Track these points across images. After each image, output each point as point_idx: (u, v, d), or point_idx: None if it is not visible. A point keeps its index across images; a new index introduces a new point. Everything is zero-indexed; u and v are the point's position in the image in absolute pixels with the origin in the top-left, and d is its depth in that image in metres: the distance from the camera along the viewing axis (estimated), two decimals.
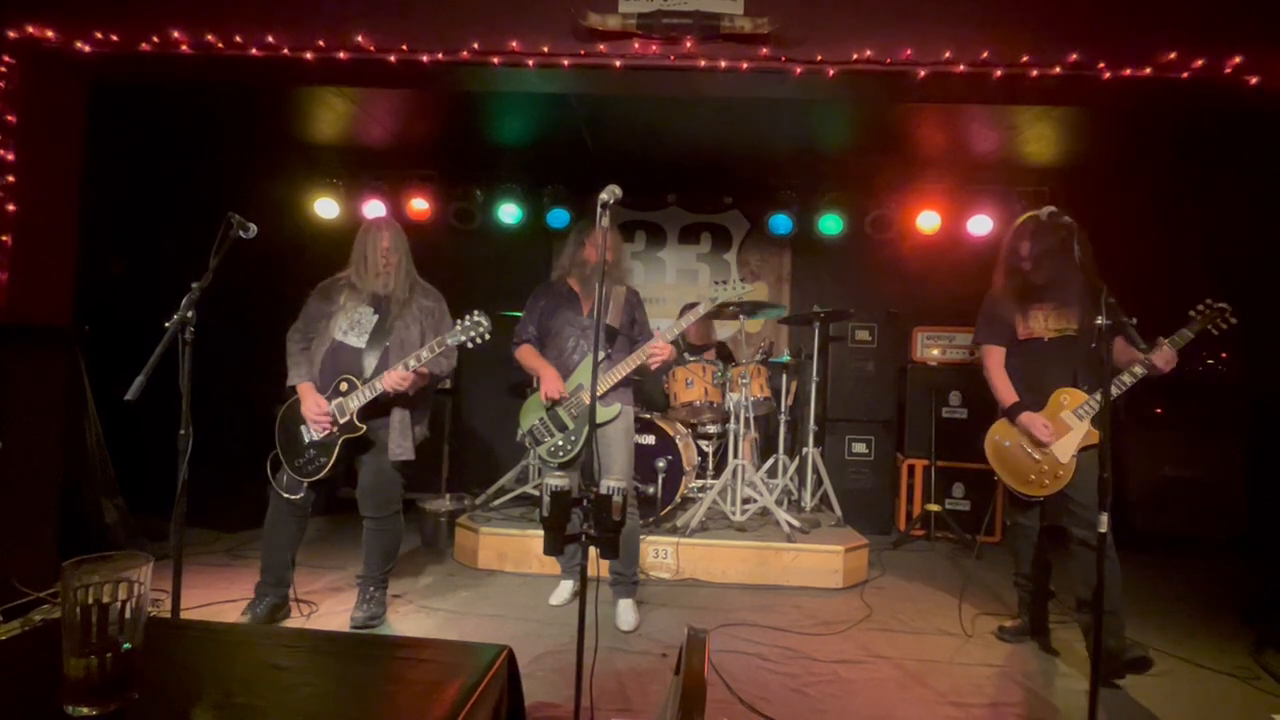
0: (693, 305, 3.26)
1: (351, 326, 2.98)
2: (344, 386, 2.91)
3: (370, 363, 2.94)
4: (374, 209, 5.21)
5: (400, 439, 2.97)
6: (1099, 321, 2.17)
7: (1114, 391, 2.66)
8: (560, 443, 3.18)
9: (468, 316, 2.88)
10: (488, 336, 2.88)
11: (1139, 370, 2.68)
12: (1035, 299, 2.89)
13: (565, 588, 3.43)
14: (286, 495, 2.94)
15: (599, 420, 3.12)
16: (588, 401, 3.06)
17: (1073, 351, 2.83)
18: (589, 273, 3.20)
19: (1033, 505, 2.94)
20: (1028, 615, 3.11)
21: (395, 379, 2.84)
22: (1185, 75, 2.86)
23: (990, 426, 3.01)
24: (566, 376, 3.18)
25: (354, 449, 2.96)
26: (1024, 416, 2.83)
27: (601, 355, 3.15)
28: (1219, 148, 4.10)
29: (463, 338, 2.87)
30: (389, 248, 3.00)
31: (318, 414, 2.87)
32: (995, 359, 2.99)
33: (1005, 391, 2.92)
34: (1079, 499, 2.71)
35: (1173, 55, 2.84)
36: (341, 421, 2.89)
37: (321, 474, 2.91)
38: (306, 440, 2.93)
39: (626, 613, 3.16)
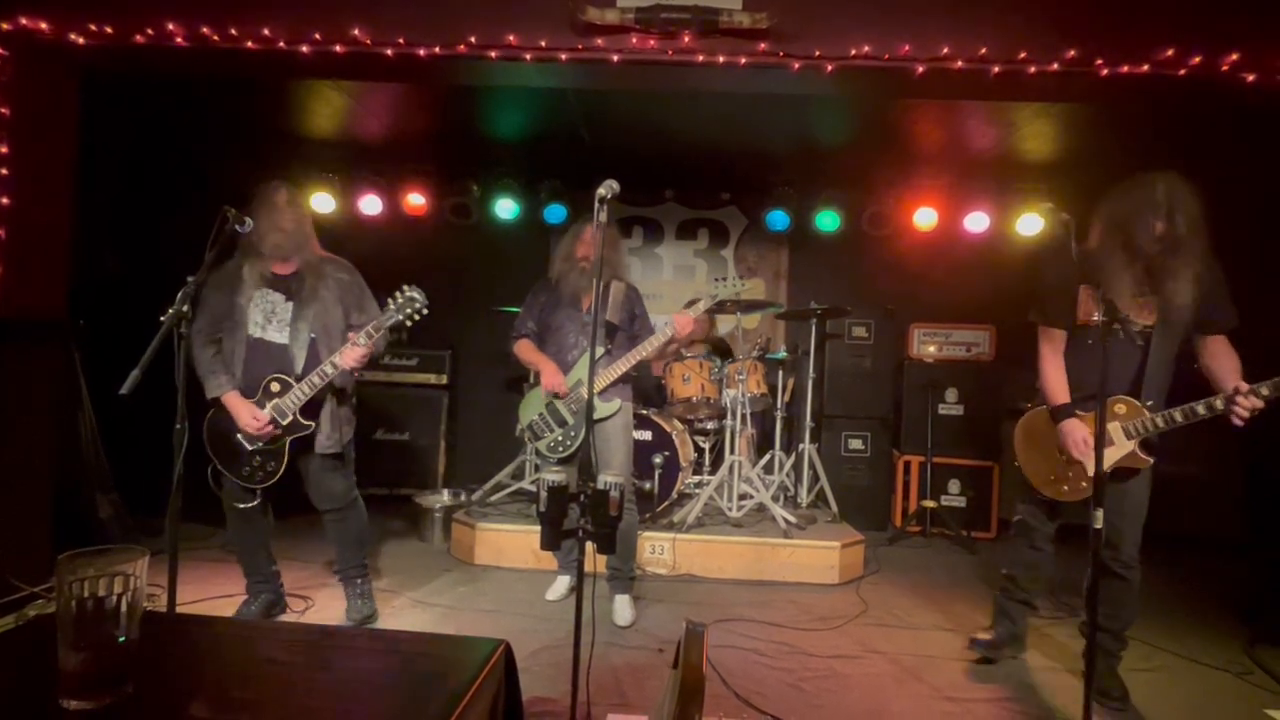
0: (694, 302, 3.26)
1: (268, 319, 2.78)
2: (275, 386, 2.73)
3: (299, 356, 2.77)
4: (370, 204, 5.20)
5: (331, 430, 2.82)
6: (1095, 318, 2.16)
7: (1178, 419, 2.32)
8: (560, 438, 3.18)
9: (399, 294, 2.69)
10: (425, 311, 2.70)
11: (1217, 405, 2.27)
12: (1133, 281, 2.37)
13: (562, 583, 3.44)
14: (239, 505, 2.81)
15: (599, 416, 3.13)
16: (586, 397, 3.07)
17: (1140, 354, 2.41)
18: (576, 270, 3.19)
19: (1048, 507, 2.64)
20: (1008, 623, 2.82)
21: (356, 356, 2.68)
22: (1183, 72, 2.86)
23: (1029, 413, 2.67)
24: (566, 372, 3.17)
25: (297, 446, 2.82)
26: (1068, 424, 2.46)
27: (601, 351, 3.15)
28: (1216, 145, 4.11)
29: (399, 317, 2.69)
30: (282, 209, 2.73)
31: (259, 426, 2.69)
32: (1054, 344, 2.56)
33: (1057, 388, 2.53)
34: (1109, 519, 2.26)
35: (1170, 52, 2.84)
36: (285, 423, 2.73)
37: (273, 480, 2.78)
38: (250, 448, 2.76)
39: (623, 608, 3.17)
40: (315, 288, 2.81)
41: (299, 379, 2.74)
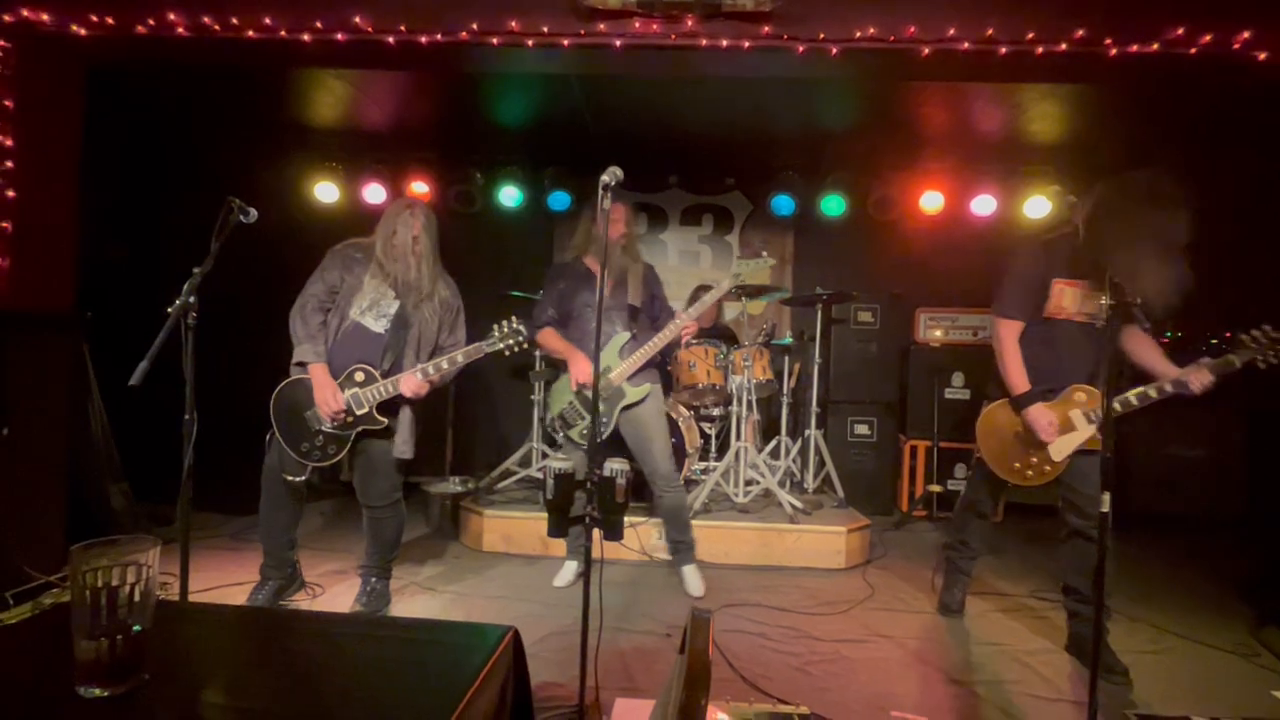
0: (706, 287, 3.26)
1: (371, 307, 2.83)
2: (360, 376, 2.78)
3: (389, 352, 2.82)
4: (374, 193, 5.20)
5: (408, 436, 2.90)
6: (1103, 302, 2.15)
7: (1134, 403, 2.55)
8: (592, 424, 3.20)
9: (506, 324, 2.79)
10: (526, 345, 2.82)
11: (1167, 388, 2.52)
12: (1095, 273, 2.47)
13: (569, 569, 3.46)
14: (289, 477, 2.83)
15: (630, 401, 3.18)
16: (615, 383, 3.12)
17: (1096, 344, 2.60)
18: (618, 250, 3.20)
19: (997, 487, 2.89)
20: (961, 588, 3.13)
21: (414, 386, 2.76)
22: (1193, 51, 2.83)
23: (989, 405, 2.81)
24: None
25: (362, 437, 2.86)
26: (1033, 410, 2.61)
27: (627, 335, 3.18)
28: (1226, 125, 4.06)
29: (500, 346, 2.79)
30: (419, 235, 2.85)
31: (335, 409, 2.73)
32: (1013, 334, 2.69)
33: (1019, 376, 2.65)
34: (1073, 485, 2.63)
35: (1180, 31, 2.80)
36: (359, 413, 2.78)
37: (329, 462, 2.83)
38: (315, 427, 2.79)
39: (693, 578, 3.30)
40: (422, 302, 2.87)
41: (384, 375, 2.79)
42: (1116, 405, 2.50)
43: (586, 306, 3.22)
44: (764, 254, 3.22)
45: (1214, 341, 4.88)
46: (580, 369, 3.14)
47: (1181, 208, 2.34)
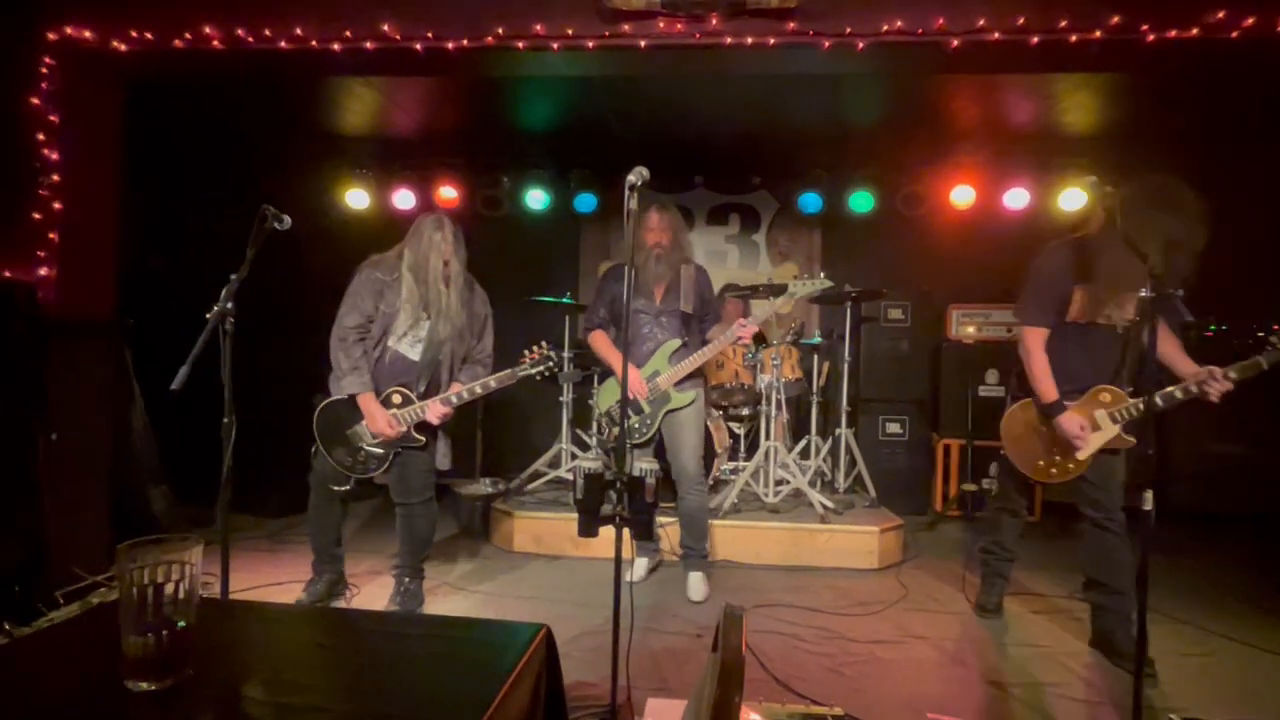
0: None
1: (407, 334, 2.93)
2: (397, 399, 2.88)
3: (424, 374, 2.94)
4: (404, 199, 5.27)
5: (446, 450, 3.05)
6: (1143, 293, 2.10)
7: (1159, 404, 2.45)
8: (636, 425, 3.27)
9: (538, 349, 2.87)
10: (558, 370, 2.90)
11: (1192, 389, 2.50)
12: (1121, 279, 2.48)
13: (641, 565, 3.48)
14: (334, 487, 2.96)
15: (675, 405, 3.23)
16: (662, 387, 3.21)
17: (1121, 345, 2.65)
18: (652, 258, 3.23)
19: (1022, 483, 2.90)
20: (1002, 583, 3.10)
21: (439, 413, 2.88)
22: (1234, 35, 2.74)
23: (1013, 406, 2.82)
24: (640, 364, 3.24)
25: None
26: (1064, 418, 2.61)
27: (679, 342, 3.25)
28: (1268, 113, 3.93)
29: (532, 371, 2.87)
30: (450, 259, 2.89)
31: (394, 431, 2.84)
32: (1040, 342, 2.69)
33: (1048, 385, 2.65)
34: (1093, 480, 2.67)
35: (1221, 15, 2.72)
36: (400, 432, 2.89)
37: (371, 475, 2.96)
38: (357, 444, 2.92)
39: (696, 584, 3.28)
40: (453, 318, 2.93)
41: (420, 396, 2.90)
42: (1142, 407, 2.50)
43: (639, 311, 3.28)
44: (821, 274, 3.26)
45: (1260, 335, 4.74)
46: (631, 384, 3.18)
47: (1200, 214, 2.36)
